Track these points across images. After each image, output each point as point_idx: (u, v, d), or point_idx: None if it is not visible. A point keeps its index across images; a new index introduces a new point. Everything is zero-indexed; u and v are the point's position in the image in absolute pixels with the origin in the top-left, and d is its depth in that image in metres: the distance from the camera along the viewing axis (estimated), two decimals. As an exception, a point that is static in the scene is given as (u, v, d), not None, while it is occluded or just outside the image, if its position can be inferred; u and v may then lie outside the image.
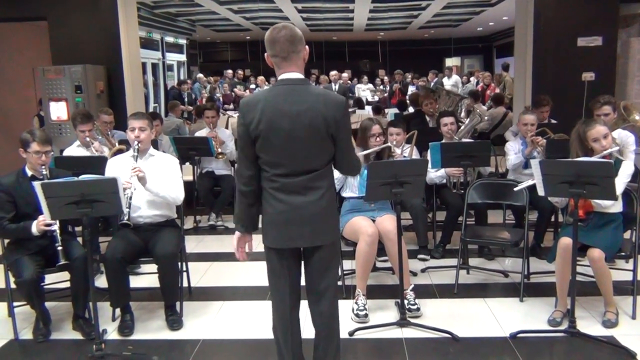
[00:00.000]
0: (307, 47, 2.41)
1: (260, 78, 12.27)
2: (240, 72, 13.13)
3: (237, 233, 2.55)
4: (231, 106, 11.31)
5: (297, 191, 2.37)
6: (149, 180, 3.54)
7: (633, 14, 6.84)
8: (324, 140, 2.35)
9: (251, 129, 2.33)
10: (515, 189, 3.79)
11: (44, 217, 3.15)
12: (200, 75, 12.68)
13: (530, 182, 3.62)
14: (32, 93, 8.57)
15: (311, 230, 2.40)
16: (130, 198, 3.39)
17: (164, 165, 3.75)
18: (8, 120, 8.44)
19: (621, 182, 3.32)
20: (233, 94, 12.14)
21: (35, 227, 3.29)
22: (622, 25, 6.79)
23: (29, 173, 3.49)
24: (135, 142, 3.61)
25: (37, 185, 2.92)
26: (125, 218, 3.36)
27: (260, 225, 2.53)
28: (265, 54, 2.40)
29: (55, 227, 3.29)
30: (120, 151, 4.32)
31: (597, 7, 6.35)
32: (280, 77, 2.39)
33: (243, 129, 2.36)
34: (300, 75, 2.39)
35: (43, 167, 3.41)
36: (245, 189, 2.44)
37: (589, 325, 3.35)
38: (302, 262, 2.54)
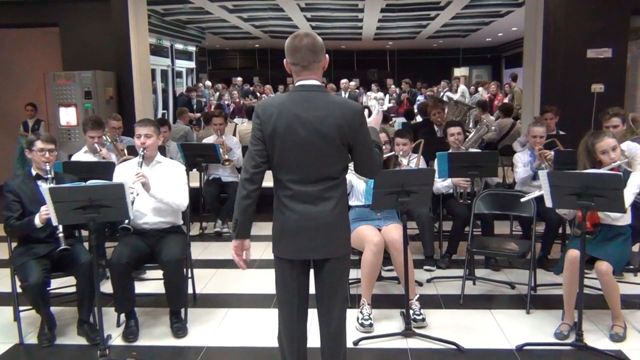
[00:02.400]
0: (327, 55, 2.39)
1: (268, 87, 12.30)
2: (259, 87, 13.15)
3: (235, 241, 2.45)
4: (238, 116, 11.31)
5: (310, 201, 2.35)
6: (153, 186, 3.56)
7: (643, 26, 6.82)
8: (339, 148, 2.34)
9: (267, 133, 2.32)
10: (522, 199, 3.77)
11: (46, 208, 3.17)
12: (208, 82, 12.74)
13: (537, 194, 3.60)
14: (43, 98, 8.66)
15: (324, 242, 2.38)
16: (132, 203, 3.40)
17: (170, 172, 3.77)
18: (19, 126, 8.51)
19: (630, 193, 3.29)
20: (241, 101, 12.16)
21: (37, 219, 3.34)
22: (632, 37, 6.77)
23: (34, 172, 3.58)
24: (141, 149, 3.64)
25: (45, 189, 2.96)
26: (126, 222, 3.38)
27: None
28: (285, 60, 2.39)
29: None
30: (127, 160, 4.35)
31: (607, 19, 6.34)
32: (298, 84, 2.38)
33: (258, 133, 2.35)
34: (318, 82, 2.38)
35: (47, 164, 3.48)
36: (251, 188, 2.35)
37: (597, 339, 3.32)
38: (312, 272, 2.51)
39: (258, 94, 12.63)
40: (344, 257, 2.49)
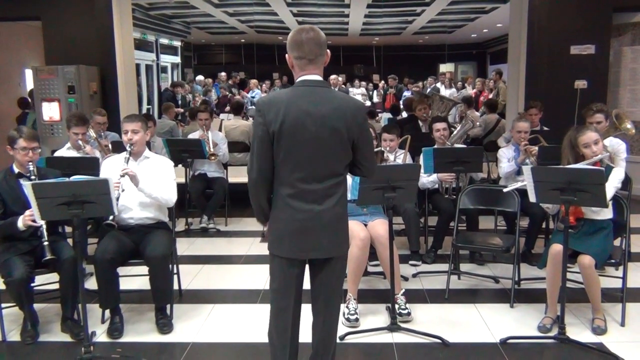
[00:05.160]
0: (328, 51, 2.37)
1: (253, 81, 12.25)
2: (235, 78, 13.08)
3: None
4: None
5: (315, 199, 2.31)
6: (142, 181, 3.53)
7: (625, 23, 6.91)
8: (346, 143, 2.32)
9: (272, 129, 2.25)
10: (504, 190, 3.80)
11: (31, 212, 3.12)
12: (200, 77, 12.68)
13: (519, 185, 3.63)
14: (25, 93, 8.56)
15: (328, 241, 2.36)
16: (117, 199, 3.37)
17: (158, 168, 3.74)
18: (0, 119, 8.41)
19: (612, 186, 3.33)
20: (228, 95, 12.11)
21: (21, 222, 3.28)
22: (614, 34, 6.86)
23: (17, 171, 3.49)
24: (129, 145, 3.60)
25: (27, 185, 2.91)
26: (110, 218, 3.35)
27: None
28: (287, 55, 2.36)
29: (42, 222, 3.26)
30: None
31: (590, 16, 6.42)
32: (301, 79, 2.34)
33: (263, 129, 2.27)
34: (321, 78, 2.35)
35: (30, 163, 3.40)
36: (266, 185, 2.35)
37: (579, 332, 3.37)
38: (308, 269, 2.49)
39: (237, 89, 12.56)
40: (344, 255, 2.50)
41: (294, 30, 2.34)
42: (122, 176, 3.43)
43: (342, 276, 2.55)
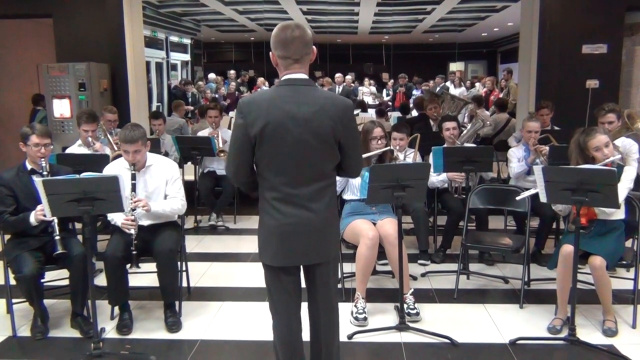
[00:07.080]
0: (314, 48, 2.30)
1: (260, 79, 12.27)
2: (247, 75, 13.11)
3: None
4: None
5: (302, 204, 2.24)
6: (152, 203, 3.49)
7: (638, 23, 6.84)
8: (332, 145, 2.24)
9: (253, 130, 2.17)
10: (517, 198, 3.75)
11: (42, 207, 3.14)
12: (213, 75, 12.74)
13: (532, 192, 3.60)
14: (36, 90, 8.60)
15: (316, 246, 2.31)
16: (135, 239, 3.37)
17: (164, 174, 3.65)
18: (11, 117, 8.47)
19: (624, 187, 3.30)
20: (237, 92, 12.15)
21: (33, 217, 3.30)
22: (627, 33, 6.79)
23: (29, 167, 3.51)
24: (132, 166, 3.50)
25: (38, 182, 2.93)
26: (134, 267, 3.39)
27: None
28: (271, 53, 2.28)
29: (53, 217, 3.27)
30: (120, 156, 4.28)
31: (602, 15, 6.36)
32: (285, 77, 2.26)
33: (242, 131, 2.20)
34: (306, 76, 2.28)
35: (42, 159, 3.42)
36: (248, 188, 2.38)
37: (589, 334, 3.34)
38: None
39: (246, 87, 12.59)
40: (335, 257, 2.47)
41: (278, 27, 2.23)
42: (134, 209, 3.38)
43: (336, 276, 2.54)
